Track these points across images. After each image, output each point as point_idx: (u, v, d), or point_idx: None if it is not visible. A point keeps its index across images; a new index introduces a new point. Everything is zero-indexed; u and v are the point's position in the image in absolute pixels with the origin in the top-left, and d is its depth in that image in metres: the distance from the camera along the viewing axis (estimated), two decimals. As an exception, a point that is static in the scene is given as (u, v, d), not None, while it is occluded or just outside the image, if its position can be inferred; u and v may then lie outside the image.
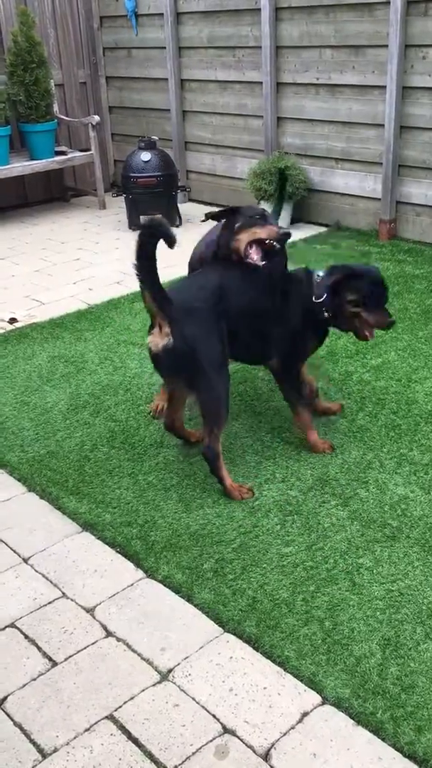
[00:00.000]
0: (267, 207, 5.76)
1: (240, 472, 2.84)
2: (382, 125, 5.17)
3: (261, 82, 5.84)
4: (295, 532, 2.51)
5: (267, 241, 2.83)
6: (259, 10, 5.61)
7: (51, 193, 7.19)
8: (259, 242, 2.83)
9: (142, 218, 3.27)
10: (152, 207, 6.00)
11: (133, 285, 4.82)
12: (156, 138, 6.15)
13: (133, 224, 6.14)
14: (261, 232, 2.83)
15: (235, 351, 2.80)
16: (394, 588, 2.24)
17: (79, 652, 2.09)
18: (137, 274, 2.53)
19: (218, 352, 2.66)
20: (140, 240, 2.49)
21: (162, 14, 6.38)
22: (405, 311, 4.20)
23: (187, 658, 2.05)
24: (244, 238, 2.83)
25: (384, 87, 5.07)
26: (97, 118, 6.62)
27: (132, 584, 2.33)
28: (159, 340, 2.60)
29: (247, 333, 2.80)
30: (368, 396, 3.34)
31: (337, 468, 2.84)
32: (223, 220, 2.92)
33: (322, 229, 5.77)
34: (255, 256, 2.83)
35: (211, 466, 2.70)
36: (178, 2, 6.24)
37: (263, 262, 2.83)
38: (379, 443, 2.99)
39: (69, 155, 6.69)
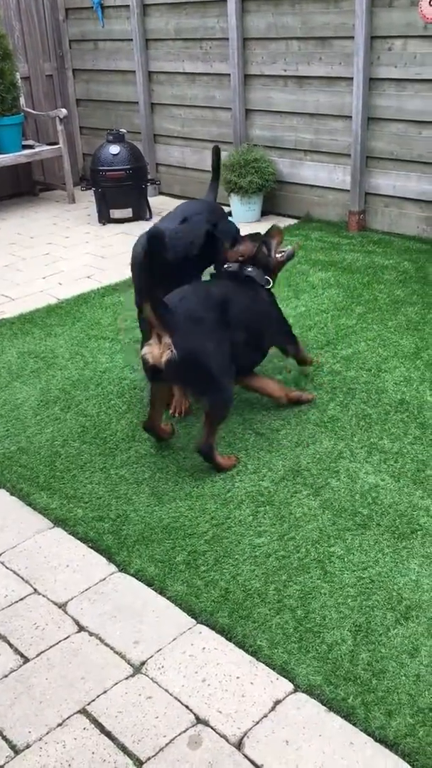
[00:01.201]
0: (236, 199, 5.76)
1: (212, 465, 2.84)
2: (350, 117, 5.19)
3: (229, 74, 5.82)
4: (267, 522, 2.52)
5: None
6: (226, 1, 5.59)
7: (19, 188, 7.11)
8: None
9: (150, 226, 2.99)
10: (122, 200, 5.98)
11: (103, 279, 4.80)
12: (125, 131, 6.12)
13: (102, 218, 6.10)
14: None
15: (240, 362, 2.88)
16: (365, 575, 2.26)
17: (51, 647, 2.08)
18: (138, 284, 2.52)
19: (226, 358, 2.71)
20: (149, 249, 2.49)
21: (128, 6, 6.33)
22: (374, 301, 4.23)
23: (160, 650, 2.05)
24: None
25: (351, 78, 5.09)
26: (64, 111, 6.56)
27: (104, 578, 2.32)
28: (158, 351, 2.54)
29: (247, 343, 2.89)
30: (339, 386, 3.36)
31: (309, 458, 2.86)
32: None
33: (292, 221, 5.79)
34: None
35: (209, 459, 2.77)
36: (144, -6, 6.20)
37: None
38: (350, 433, 3.01)
39: (37, 149, 6.62)
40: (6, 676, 2.00)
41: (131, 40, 6.44)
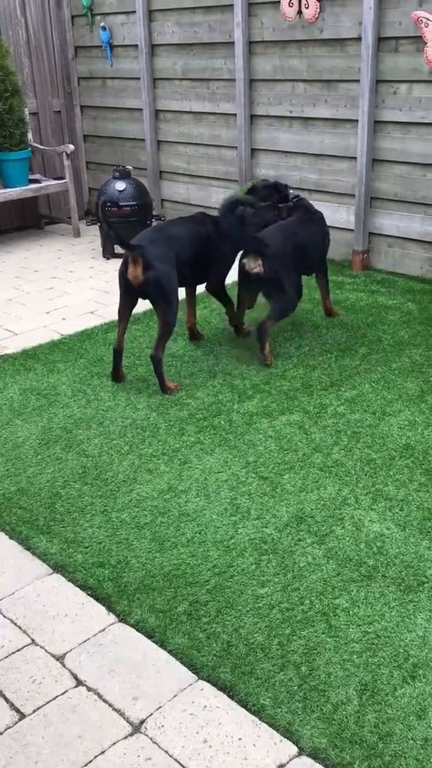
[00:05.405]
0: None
1: (214, 509, 2.80)
2: (355, 158, 5.24)
3: (235, 114, 5.90)
4: (271, 572, 2.47)
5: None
6: (233, 43, 5.68)
7: (25, 221, 7.16)
8: None
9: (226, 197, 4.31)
10: (127, 236, 5.97)
11: (107, 315, 4.80)
12: (131, 167, 6.17)
13: (107, 253, 6.12)
14: None
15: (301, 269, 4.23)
16: (370, 630, 2.21)
17: (48, 703, 2.02)
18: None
19: (296, 278, 4.10)
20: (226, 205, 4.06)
21: (136, 45, 6.43)
22: (378, 342, 4.22)
23: (160, 708, 1.99)
24: None
25: (356, 121, 5.15)
26: (71, 147, 6.62)
27: (103, 629, 2.26)
28: (253, 264, 3.88)
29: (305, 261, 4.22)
30: (343, 429, 3.33)
31: (313, 504, 2.82)
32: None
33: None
34: None
35: (261, 336, 3.93)
36: (152, 34, 6.30)
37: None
38: (355, 478, 2.97)
39: (43, 183, 6.67)
40: (1, 733, 1.94)
41: (139, 78, 6.53)
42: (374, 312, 4.66)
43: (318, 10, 5.09)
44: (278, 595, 2.36)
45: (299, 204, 4.40)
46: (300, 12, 5.19)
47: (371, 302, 4.82)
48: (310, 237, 4.21)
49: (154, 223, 6.19)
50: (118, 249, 6.04)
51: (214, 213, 4.23)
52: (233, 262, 4.24)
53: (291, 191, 4.47)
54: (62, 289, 5.43)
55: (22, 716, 1.99)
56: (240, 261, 4.01)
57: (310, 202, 5.65)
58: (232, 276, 4.22)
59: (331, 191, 5.52)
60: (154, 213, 6.32)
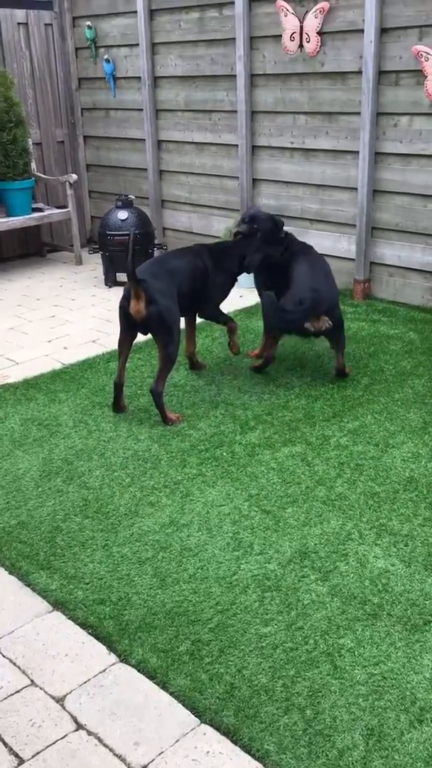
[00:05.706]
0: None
1: (217, 544, 2.77)
2: (355, 189, 5.28)
3: (237, 145, 5.95)
4: (274, 609, 2.43)
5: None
6: (235, 76, 5.75)
7: (27, 249, 7.19)
8: None
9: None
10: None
11: (108, 344, 4.79)
12: (133, 197, 6.21)
13: (109, 281, 6.14)
14: None
15: None
16: (376, 671, 2.17)
17: (47, 747, 1.97)
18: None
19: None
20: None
21: (139, 77, 6.52)
22: (381, 373, 4.21)
23: (162, 753, 1.94)
24: None
25: (357, 152, 5.19)
26: (74, 176, 6.68)
27: (104, 670, 2.22)
28: (322, 323, 3.92)
29: None
30: (346, 461, 3.31)
31: (317, 539, 2.78)
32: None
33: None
34: None
35: (345, 375, 4.13)
36: (155, 66, 6.38)
37: None
38: (359, 512, 2.94)
39: (46, 212, 6.71)
40: (-1, 779, 1.90)
41: (142, 109, 6.60)
42: (376, 342, 4.66)
43: (319, 44, 5.16)
44: (282, 634, 2.32)
45: (293, 239, 4.30)
46: (301, 46, 5.27)
47: (373, 332, 4.82)
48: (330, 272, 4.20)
49: (156, 252, 6.23)
50: (121, 278, 6.06)
51: (212, 240, 4.24)
52: (229, 291, 4.22)
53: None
54: (64, 317, 5.43)
55: (21, 761, 1.94)
56: (300, 325, 3.92)
57: (313, 231, 5.73)
58: (234, 304, 4.21)
59: (333, 221, 5.55)
60: (156, 242, 6.36)
